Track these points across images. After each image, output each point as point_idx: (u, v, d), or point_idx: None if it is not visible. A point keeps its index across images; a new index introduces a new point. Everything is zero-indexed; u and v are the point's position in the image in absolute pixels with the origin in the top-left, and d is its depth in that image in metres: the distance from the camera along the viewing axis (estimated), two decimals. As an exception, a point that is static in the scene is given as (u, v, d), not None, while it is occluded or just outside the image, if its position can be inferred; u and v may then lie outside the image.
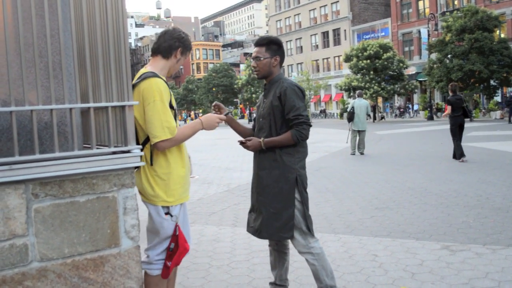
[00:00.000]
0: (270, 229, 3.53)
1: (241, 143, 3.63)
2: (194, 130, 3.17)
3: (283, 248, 3.80)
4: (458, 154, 12.57)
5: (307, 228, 3.53)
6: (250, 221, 3.77)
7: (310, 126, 3.52)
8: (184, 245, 3.08)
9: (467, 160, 12.46)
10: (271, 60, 3.61)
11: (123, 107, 2.62)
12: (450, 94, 12.82)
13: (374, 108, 44.21)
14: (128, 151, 2.62)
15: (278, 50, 3.64)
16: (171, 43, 3.19)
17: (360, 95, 16.05)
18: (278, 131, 3.53)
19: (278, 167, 3.51)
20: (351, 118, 15.32)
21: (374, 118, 43.25)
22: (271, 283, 3.91)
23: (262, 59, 3.61)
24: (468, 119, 12.51)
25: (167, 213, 3.06)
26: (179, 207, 3.12)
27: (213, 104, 3.76)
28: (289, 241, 3.74)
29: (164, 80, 3.09)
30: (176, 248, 3.06)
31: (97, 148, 2.57)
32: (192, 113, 79.40)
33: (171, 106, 3.08)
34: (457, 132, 12.59)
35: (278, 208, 3.50)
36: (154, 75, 3.05)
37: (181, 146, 3.17)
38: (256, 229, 3.65)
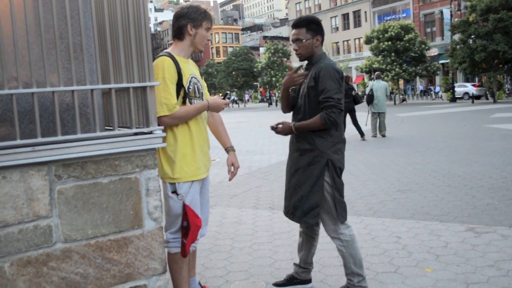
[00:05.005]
0: (297, 213, 3.50)
1: (272, 128, 3.59)
2: (198, 111, 3.20)
3: (312, 233, 3.76)
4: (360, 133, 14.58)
5: (337, 213, 3.44)
6: (285, 204, 3.73)
7: (341, 110, 3.37)
8: (195, 221, 3.08)
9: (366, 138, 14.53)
10: (313, 40, 3.49)
11: (144, 87, 2.60)
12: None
13: (391, 92, 43.63)
14: (150, 132, 2.60)
15: (318, 30, 3.51)
16: (179, 24, 3.24)
17: (378, 77, 15.85)
18: (312, 113, 3.43)
19: (310, 150, 3.44)
20: (370, 100, 15.13)
21: (390, 100, 42.62)
22: (295, 264, 3.90)
23: (304, 40, 3.48)
24: (357, 104, 14.32)
25: (174, 192, 3.14)
26: (188, 185, 3.14)
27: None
28: (321, 227, 3.70)
29: (174, 60, 3.10)
30: (188, 225, 3.08)
31: (119, 130, 2.56)
32: None
33: (181, 85, 3.10)
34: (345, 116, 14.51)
35: (306, 191, 3.45)
36: (164, 54, 3.16)
37: (192, 126, 3.18)
38: (287, 211, 3.62)
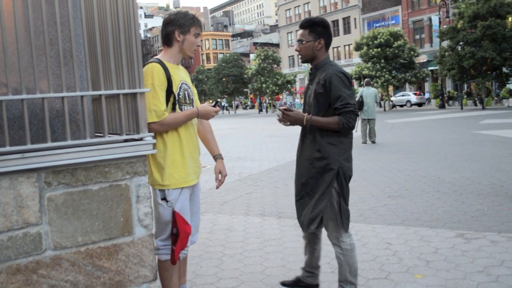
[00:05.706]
0: (305, 221, 3.49)
1: (281, 113, 3.37)
2: (188, 118, 3.19)
3: (314, 237, 3.74)
4: None
5: (342, 221, 3.43)
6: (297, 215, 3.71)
7: (357, 115, 3.37)
8: (184, 228, 3.07)
9: None
10: (315, 43, 3.45)
11: (134, 94, 2.59)
12: None
13: (381, 98, 43.97)
14: (140, 139, 2.59)
15: (323, 33, 3.47)
16: (166, 31, 3.24)
17: (368, 84, 15.88)
18: None
19: (321, 158, 3.39)
20: (360, 106, 15.15)
21: (380, 106, 42.85)
22: (301, 268, 3.90)
23: (304, 42, 3.46)
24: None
25: (163, 199, 3.13)
26: (178, 192, 3.14)
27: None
28: (322, 231, 3.69)
29: (164, 67, 3.11)
30: (177, 232, 3.06)
31: (109, 136, 2.55)
32: None
33: (171, 91, 3.10)
34: None
35: (315, 199, 3.42)
36: (154, 60, 3.15)
37: (181, 132, 3.17)
38: (300, 223, 3.61)
